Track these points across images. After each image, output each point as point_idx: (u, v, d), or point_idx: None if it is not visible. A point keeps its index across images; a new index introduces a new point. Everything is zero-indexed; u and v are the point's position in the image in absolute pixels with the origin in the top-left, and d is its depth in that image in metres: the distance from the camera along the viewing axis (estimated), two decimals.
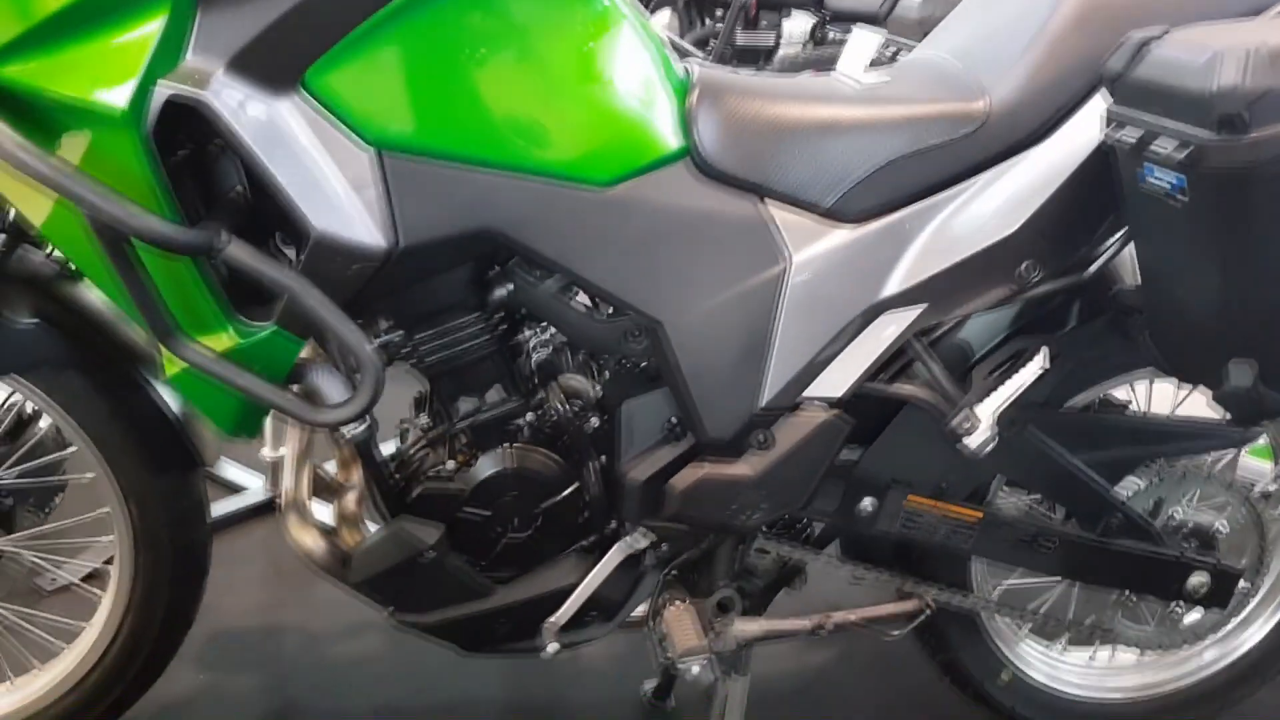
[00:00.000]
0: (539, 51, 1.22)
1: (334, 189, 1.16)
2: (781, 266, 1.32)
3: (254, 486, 2.43)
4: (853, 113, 1.33)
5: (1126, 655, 1.79)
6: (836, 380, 1.36)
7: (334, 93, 1.16)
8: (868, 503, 1.46)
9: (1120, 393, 1.58)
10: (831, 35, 4.69)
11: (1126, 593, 1.64)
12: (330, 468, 1.50)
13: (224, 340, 1.20)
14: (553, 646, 1.41)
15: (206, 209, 1.19)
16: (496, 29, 1.19)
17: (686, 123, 1.29)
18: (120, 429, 1.41)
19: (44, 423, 1.49)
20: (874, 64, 1.45)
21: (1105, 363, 1.50)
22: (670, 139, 1.28)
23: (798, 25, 4.88)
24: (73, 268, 1.43)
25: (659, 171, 1.28)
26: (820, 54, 4.29)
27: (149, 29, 1.07)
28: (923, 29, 1.81)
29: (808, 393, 1.36)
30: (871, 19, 4.62)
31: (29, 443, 1.47)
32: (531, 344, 1.40)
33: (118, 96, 1.06)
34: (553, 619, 1.43)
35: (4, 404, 1.47)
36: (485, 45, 1.19)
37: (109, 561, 1.67)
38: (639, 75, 1.27)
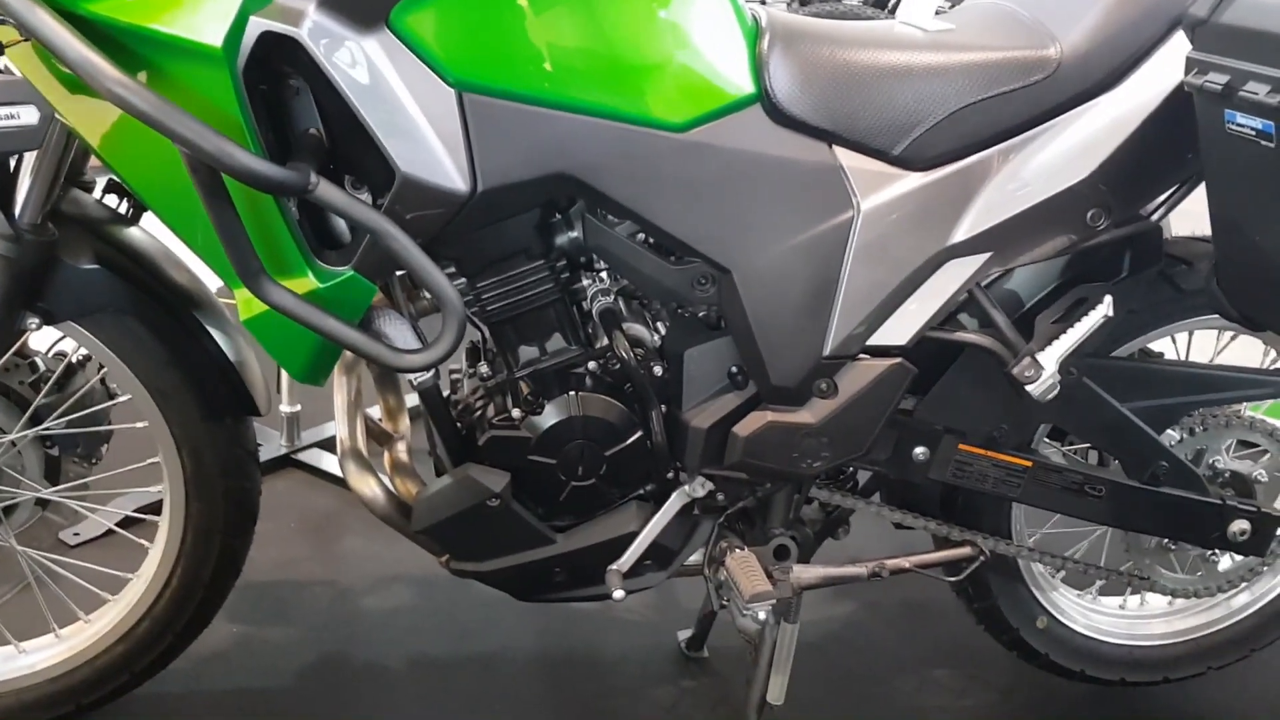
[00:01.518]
0: (613, 5, 1.21)
1: (418, 130, 1.15)
2: (850, 213, 1.32)
3: (269, 442, 2.41)
4: (922, 59, 1.33)
5: (1157, 601, 1.83)
6: (901, 328, 1.37)
7: (418, 32, 1.14)
8: (920, 451, 1.47)
9: (1157, 345, 1.61)
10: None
11: (1164, 540, 1.66)
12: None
13: (304, 283, 1.18)
14: (619, 593, 1.41)
15: (281, 148, 1.16)
16: None
17: (758, 68, 1.28)
18: (176, 376, 1.39)
19: (91, 369, 1.46)
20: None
21: (1154, 313, 1.52)
22: (743, 84, 1.27)
23: None
24: (124, 211, 1.40)
25: (731, 116, 1.27)
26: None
27: None
28: None
29: (872, 340, 1.37)
30: None
31: (78, 391, 1.44)
32: (592, 291, 1.39)
33: (213, 32, 1.04)
34: (615, 565, 1.43)
35: (51, 351, 1.44)
36: None
37: (145, 510, 1.66)
38: (712, 20, 1.27)
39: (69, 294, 1.30)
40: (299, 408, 2.45)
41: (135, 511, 1.71)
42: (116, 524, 1.58)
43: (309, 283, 1.18)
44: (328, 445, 2.46)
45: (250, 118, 1.09)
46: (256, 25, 1.07)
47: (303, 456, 2.43)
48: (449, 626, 1.92)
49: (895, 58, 1.33)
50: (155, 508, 1.53)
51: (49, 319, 1.31)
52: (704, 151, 1.27)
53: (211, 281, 1.37)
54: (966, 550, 1.55)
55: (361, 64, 1.11)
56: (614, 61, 1.22)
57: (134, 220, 1.41)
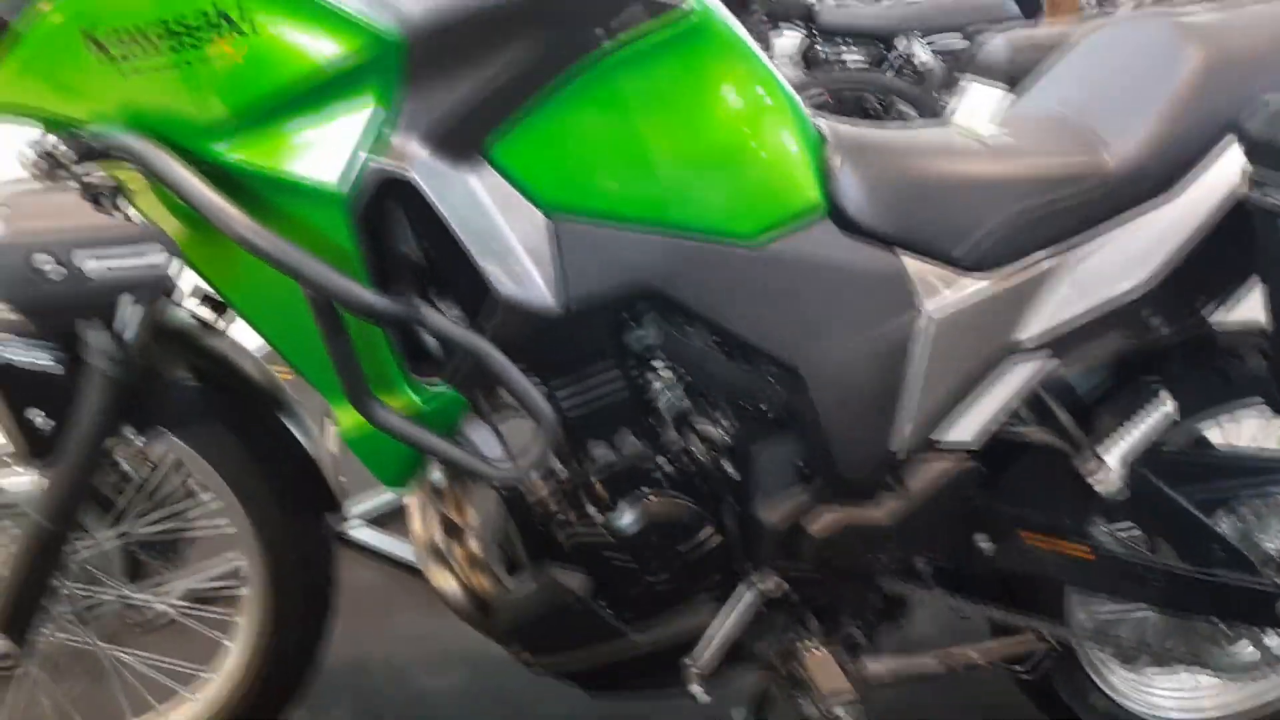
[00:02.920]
0: (690, 117, 1.27)
1: (514, 253, 1.20)
2: (915, 315, 1.36)
3: None
4: (981, 167, 1.38)
5: (1208, 678, 1.85)
6: (965, 425, 1.41)
7: (511, 162, 1.20)
8: (984, 541, 1.51)
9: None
10: (823, 54, 4.79)
11: (1217, 621, 1.69)
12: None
13: (404, 401, 1.23)
14: (698, 690, 1.44)
15: (380, 271, 1.21)
16: (649, 97, 1.24)
17: (824, 179, 1.34)
18: (260, 476, 1.43)
19: (177, 471, 1.50)
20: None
21: (1204, 401, 1.56)
22: (810, 196, 1.33)
23: (788, 42, 4.97)
24: (211, 320, 1.45)
25: (799, 226, 1.33)
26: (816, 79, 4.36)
27: (358, 111, 1.11)
28: (1009, 74, 1.87)
29: (938, 437, 1.41)
30: (870, 35, 4.72)
31: (163, 494, 1.48)
32: (662, 390, 1.43)
33: (329, 173, 1.10)
34: (696, 666, 1.46)
35: (139, 455, 1.48)
36: (638, 112, 1.24)
37: (221, 604, 1.69)
38: (781, 135, 1.32)
39: (164, 405, 1.34)
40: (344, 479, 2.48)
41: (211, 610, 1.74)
42: (194, 619, 1.61)
43: (409, 400, 1.23)
44: (372, 520, 2.50)
45: (360, 249, 1.14)
46: (372, 167, 1.12)
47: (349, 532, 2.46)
48: (504, 705, 1.94)
49: (955, 166, 1.38)
50: (232, 601, 1.56)
51: (143, 429, 1.35)
52: (774, 261, 1.32)
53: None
54: (1032, 638, 1.58)
55: (462, 195, 1.17)
56: (689, 180, 1.27)
57: (218, 327, 1.45)
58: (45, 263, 1.02)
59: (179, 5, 1.07)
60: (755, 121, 1.30)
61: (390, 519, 2.46)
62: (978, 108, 1.49)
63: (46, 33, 1.08)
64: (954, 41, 4.48)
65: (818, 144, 1.36)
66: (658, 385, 1.42)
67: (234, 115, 1.10)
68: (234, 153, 1.11)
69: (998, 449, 1.44)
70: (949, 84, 4.46)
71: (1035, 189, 1.36)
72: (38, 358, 1.22)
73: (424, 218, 1.18)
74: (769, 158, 1.31)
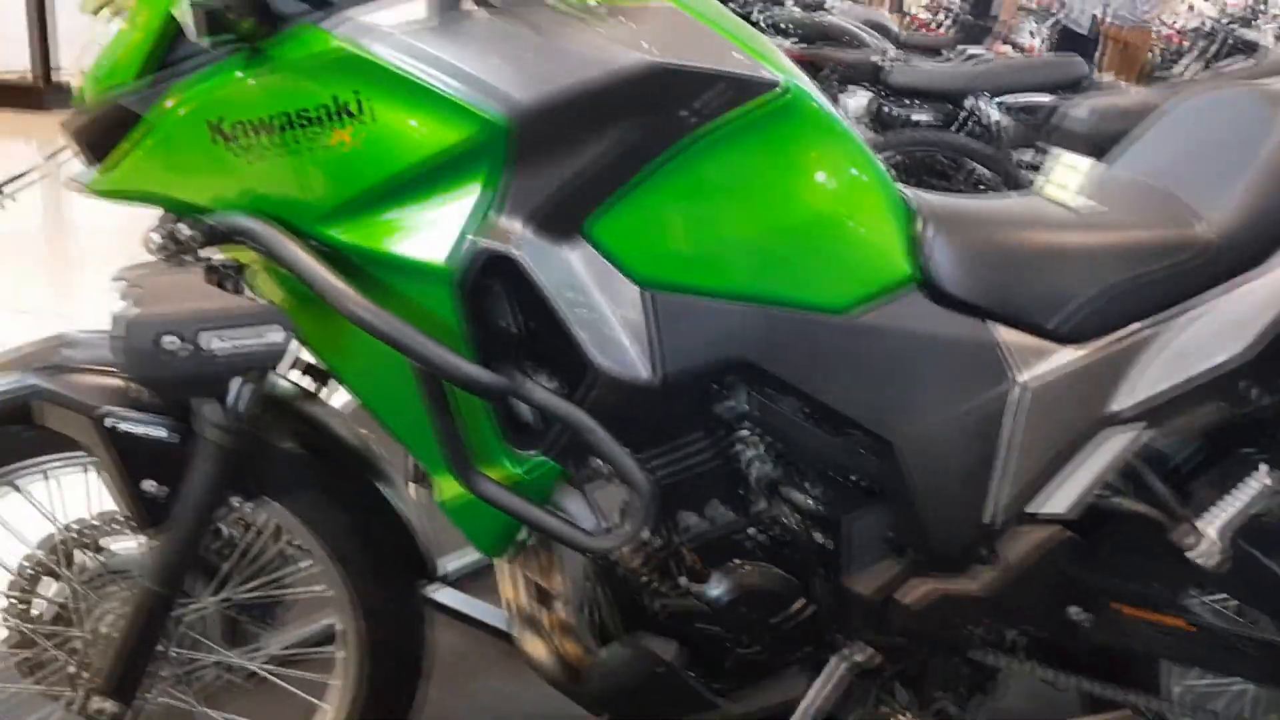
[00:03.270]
0: (782, 191, 1.29)
1: (611, 327, 1.23)
2: (1008, 386, 1.36)
3: None
4: (1074, 238, 1.39)
5: None
6: (1060, 496, 1.40)
7: (608, 238, 1.23)
8: (1077, 612, 1.49)
9: None
10: (892, 114, 4.82)
11: None
12: None
13: (502, 470, 1.26)
14: None
15: (481, 343, 1.24)
16: (742, 172, 1.26)
17: (915, 250, 1.35)
18: (358, 542, 1.45)
19: (277, 536, 1.54)
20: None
21: None
22: (901, 266, 1.34)
23: (856, 102, 5.00)
24: (313, 388, 1.49)
25: (891, 297, 1.34)
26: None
27: (465, 192, 1.16)
28: (1093, 141, 1.87)
29: (1032, 508, 1.40)
30: (939, 95, 4.74)
31: (264, 558, 1.51)
32: (751, 458, 1.44)
33: (437, 253, 1.14)
34: None
35: (240, 520, 1.52)
36: (732, 188, 1.27)
37: (311, 664, 1.71)
38: (871, 208, 1.34)
39: (269, 473, 1.38)
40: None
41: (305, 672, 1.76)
42: (289, 681, 1.63)
43: (507, 469, 1.26)
44: (451, 582, 2.51)
45: (464, 323, 1.18)
46: (475, 245, 1.16)
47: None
48: None
49: (1047, 236, 1.39)
50: (326, 663, 1.58)
51: (249, 496, 1.39)
52: (866, 332, 1.33)
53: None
54: (1127, 712, 1.56)
55: (562, 271, 1.20)
56: (781, 254, 1.29)
57: (318, 395, 1.49)
58: (173, 343, 1.07)
59: (302, 99, 1.12)
60: (846, 195, 1.32)
61: (469, 580, 2.48)
62: (1066, 177, 1.49)
63: (175, 125, 1.14)
64: (1035, 99, 4.49)
65: (907, 215, 1.38)
66: (749, 455, 1.43)
67: (348, 199, 1.15)
68: (346, 234, 1.16)
69: (1092, 519, 1.43)
70: (1023, 143, 4.47)
71: (1130, 261, 1.36)
72: (154, 430, 1.26)
73: (524, 292, 1.22)
74: (860, 230, 1.32)
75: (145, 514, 1.30)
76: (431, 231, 1.15)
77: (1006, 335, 1.37)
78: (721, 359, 1.29)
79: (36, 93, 8.72)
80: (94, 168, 1.21)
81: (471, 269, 1.17)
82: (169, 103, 1.14)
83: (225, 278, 1.16)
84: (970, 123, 4.63)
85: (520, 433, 1.30)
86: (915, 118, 4.71)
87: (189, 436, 1.28)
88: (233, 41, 1.13)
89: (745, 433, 1.43)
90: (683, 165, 1.23)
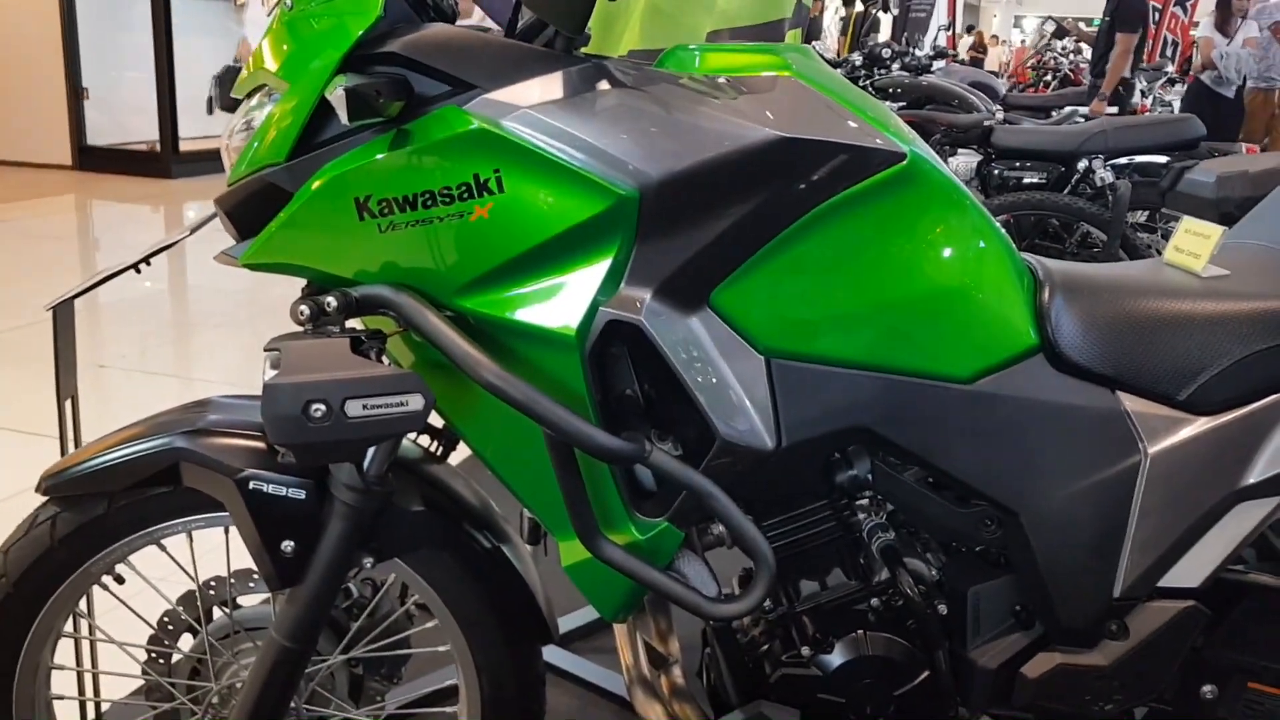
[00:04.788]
0: (904, 260, 1.29)
1: (734, 395, 1.24)
2: (1137, 457, 1.34)
3: None
4: (1203, 307, 1.37)
5: None
6: (1191, 570, 1.37)
7: (732, 308, 1.25)
8: (1209, 690, 1.45)
9: None
10: (1000, 175, 4.78)
11: None
12: None
13: (626, 535, 1.28)
14: None
15: (605, 409, 1.27)
16: (864, 241, 1.27)
17: (1039, 318, 1.34)
18: (481, 604, 1.48)
19: (401, 595, 1.57)
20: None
21: None
22: (1026, 335, 1.33)
23: (963, 163, 4.98)
24: (436, 450, 1.53)
25: (1015, 366, 1.33)
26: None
27: (595, 263, 1.19)
28: (1218, 210, 1.84)
29: (1162, 582, 1.37)
30: (1050, 156, 4.69)
31: (389, 617, 1.55)
32: (871, 527, 1.44)
33: (565, 322, 1.18)
34: None
35: (362, 575, 1.56)
36: (854, 257, 1.27)
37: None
38: (994, 275, 1.33)
39: (397, 534, 1.41)
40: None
41: None
42: None
43: (630, 534, 1.28)
44: (560, 642, 2.53)
45: (591, 390, 1.20)
46: (604, 315, 1.19)
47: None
48: None
49: (1176, 306, 1.37)
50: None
51: (379, 556, 1.43)
52: (990, 401, 1.32)
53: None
54: None
55: (687, 340, 1.22)
56: (904, 322, 1.30)
57: (444, 458, 1.53)
58: (319, 410, 1.11)
59: (445, 177, 1.17)
60: (970, 263, 1.32)
61: (580, 640, 2.50)
62: (1191, 244, 1.47)
63: (323, 201, 1.19)
64: (1149, 159, 4.42)
65: (1031, 283, 1.37)
66: (870, 523, 1.43)
67: (484, 272, 1.19)
68: (480, 304, 1.20)
69: (1225, 594, 1.40)
70: (1136, 205, 4.39)
71: (1261, 331, 1.34)
72: (292, 492, 1.31)
73: (649, 359, 1.24)
74: (984, 299, 1.32)
75: (281, 573, 1.35)
76: (562, 301, 1.19)
77: (1135, 405, 1.35)
78: (844, 428, 1.30)
79: (163, 161, 9.16)
80: (243, 242, 1.28)
81: (599, 337, 1.20)
82: (318, 181, 1.20)
83: (368, 346, 1.20)
84: (1082, 185, 4.57)
85: (643, 498, 1.32)
86: (1026, 179, 4.67)
87: (324, 498, 1.32)
88: (379, 123, 1.18)
89: (867, 501, 1.43)
90: (808, 235, 1.24)
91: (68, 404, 1.92)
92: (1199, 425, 1.35)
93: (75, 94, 9.20)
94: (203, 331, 4.82)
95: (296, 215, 1.21)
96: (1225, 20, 7.81)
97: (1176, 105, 11.32)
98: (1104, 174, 4.55)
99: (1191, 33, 14.16)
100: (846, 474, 1.38)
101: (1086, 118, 6.39)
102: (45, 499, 1.42)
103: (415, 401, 1.13)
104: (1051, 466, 1.34)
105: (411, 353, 1.28)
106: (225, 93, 5.09)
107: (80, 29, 9.16)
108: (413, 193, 1.17)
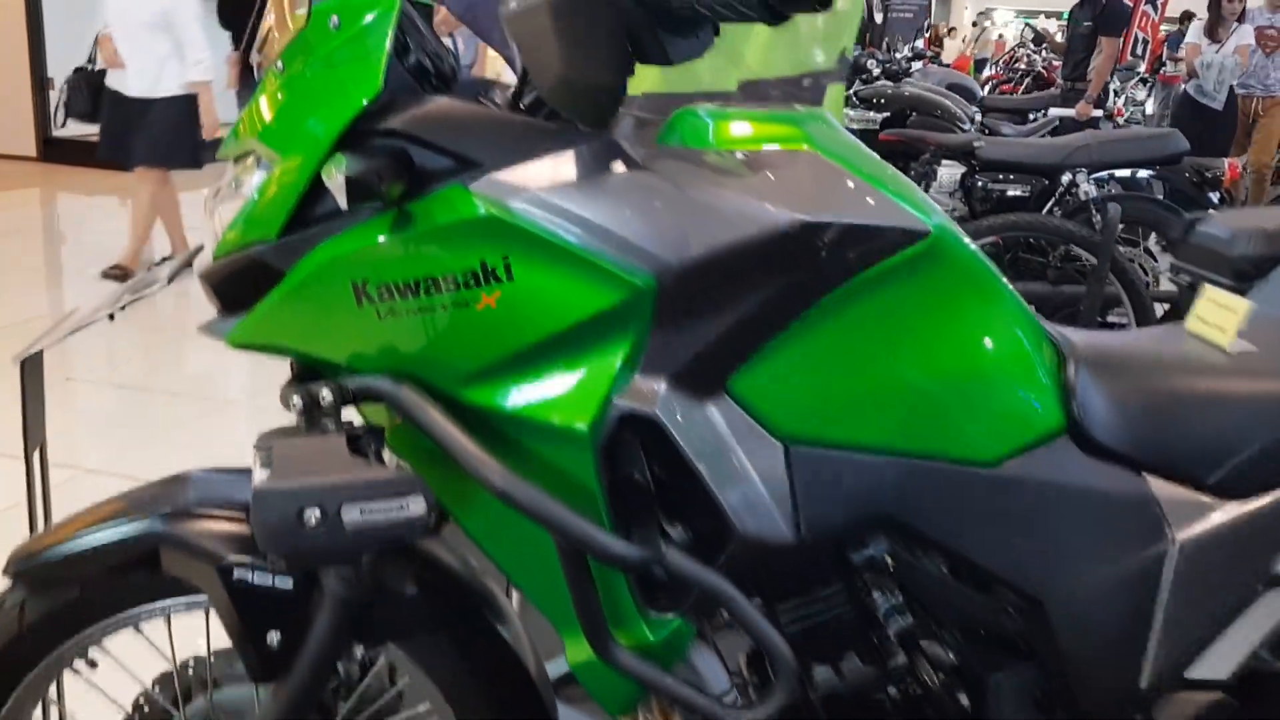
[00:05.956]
0: (928, 339, 1.23)
1: (752, 487, 1.18)
2: (1164, 543, 1.29)
3: None
4: (1232, 386, 1.32)
5: None
6: (1221, 660, 1.32)
7: (749, 394, 1.18)
8: None
9: None
10: (983, 187, 4.75)
11: None
12: None
13: (637, 635, 1.21)
14: None
15: (616, 502, 1.20)
16: (886, 322, 1.21)
17: (1064, 396, 1.28)
18: (474, 683, 1.40)
19: (391, 676, 1.50)
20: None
21: None
22: (1052, 415, 1.27)
23: (946, 174, 4.94)
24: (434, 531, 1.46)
25: (1041, 448, 1.27)
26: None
27: (607, 354, 1.12)
28: (1232, 267, 1.80)
29: (1190, 673, 1.32)
30: (1033, 169, 4.66)
31: (377, 699, 1.47)
32: (887, 611, 1.38)
33: (577, 416, 1.10)
34: None
35: (356, 664, 1.49)
36: (876, 338, 1.21)
37: None
38: (1022, 353, 1.28)
39: (390, 620, 1.33)
40: None
41: None
42: None
43: (642, 635, 1.21)
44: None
45: (602, 484, 1.13)
46: (618, 408, 1.12)
47: None
48: None
49: (1204, 385, 1.32)
50: None
51: (371, 643, 1.35)
52: (1014, 484, 1.26)
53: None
54: None
55: (704, 430, 1.15)
56: (928, 405, 1.24)
57: (438, 529, 1.46)
58: (314, 516, 1.03)
59: (449, 263, 1.09)
60: (994, 340, 1.26)
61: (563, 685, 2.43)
62: (1215, 315, 1.42)
63: (318, 283, 1.12)
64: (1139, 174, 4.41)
65: (1056, 359, 1.31)
66: (886, 608, 1.37)
67: (490, 362, 1.12)
68: (486, 396, 1.13)
69: (1255, 685, 1.35)
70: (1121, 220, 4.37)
71: None
72: (279, 582, 1.23)
73: (662, 451, 1.17)
74: (1010, 378, 1.26)
75: (265, 665, 1.27)
76: (574, 395, 1.12)
77: (1162, 488, 1.30)
78: (864, 514, 1.24)
79: None
80: (230, 318, 1.20)
81: (609, 430, 1.13)
82: (312, 261, 1.12)
83: (363, 442, 1.13)
84: (1066, 198, 4.54)
85: (655, 591, 1.25)
86: (1010, 192, 4.63)
87: (312, 587, 1.24)
88: (379, 204, 1.11)
89: (884, 584, 1.37)
90: (828, 317, 1.18)
91: (36, 455, 1.83)
92: (1228, 510, 1.29)
93: (40, 85, 9.00)
94: (174, 341, 4.71)
95: (288, 297, 1.13)
96: (1216, 24, 7.57)
97: (1149, 106, 11.34)
98: (1088, 188, 4.52)
99: (1162, 29, 14.20)
100: (863, 556, 1.32)
101: (1072, 120, 6.36)
102: (12, 582, 1.34)
103: (416, 505, 1.06)
104: (1076, 552, 1.29)
105: (417, 448, 1.20)
106: (78, 99, 4.86)
107: (45, 18, 8.96)
108: (415, 279, 1.10)
